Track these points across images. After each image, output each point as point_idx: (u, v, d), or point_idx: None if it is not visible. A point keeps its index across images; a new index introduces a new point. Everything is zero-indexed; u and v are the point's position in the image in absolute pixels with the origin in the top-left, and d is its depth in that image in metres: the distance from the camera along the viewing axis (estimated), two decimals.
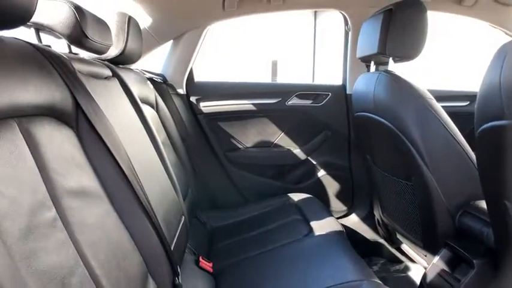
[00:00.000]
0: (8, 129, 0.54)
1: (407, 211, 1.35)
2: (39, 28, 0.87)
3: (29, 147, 0.58)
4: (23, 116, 0.58)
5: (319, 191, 1.92)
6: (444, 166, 1.16)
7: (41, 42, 0.89)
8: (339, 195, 1.95)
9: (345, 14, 1.74)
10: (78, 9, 0.87)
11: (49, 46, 0.85)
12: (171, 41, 1.77)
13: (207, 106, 1.85)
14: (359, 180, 1.91)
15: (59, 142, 0.66)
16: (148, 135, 1.13)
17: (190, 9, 1.61)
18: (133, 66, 1.67)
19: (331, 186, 1.94)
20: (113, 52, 1.22)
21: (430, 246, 1.27)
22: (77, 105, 0.73)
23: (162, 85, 1.64)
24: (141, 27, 1.58)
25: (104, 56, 1.22)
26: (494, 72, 0.74)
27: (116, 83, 1.08)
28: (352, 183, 1.93)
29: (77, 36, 0.88)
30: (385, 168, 1.42)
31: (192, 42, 1.75)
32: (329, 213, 1.52)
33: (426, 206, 1.20)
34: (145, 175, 0.94)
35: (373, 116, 1.31)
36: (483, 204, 1.08)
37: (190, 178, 1.59)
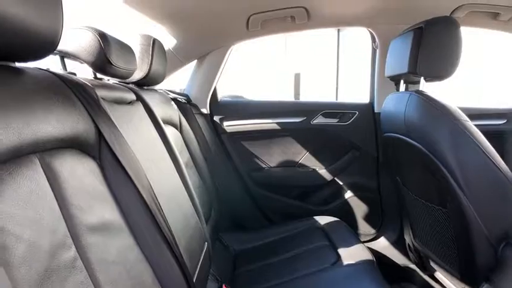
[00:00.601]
0: (29, 166, 0.53)
1: (442, 239, 1.26)
2: (64, 55, 0.87)
3: (50, 184, 0.56)
4: (44, 151, 0.57)
5: (346, 213, 1.85)
6: (483, 193, 1.08)
7: (65, 69, 0.90)
8: (367, 218, 1.87)
9: (372, 32, 1.69)
10: (102, 36, 0.87)
11: (74, 73, 0.85)
12: (195, 60, 1.77)
13: (230, 125, 1.83)
14: (388, 202, 1.82)
15: (81, 175, 0.64)
16: (172, 159, 1.12)
17: (215, 30, 1.61)
18: (157, 87, 1.69)
19: (359, 208, 1.87)
20: (137, 75, 1.22)
21: (468, 279, 1.18)
22: (99, 135, 0.71)
23: (185, 105, 1.64)
24: (166, 48, 1.59)
25: (128, 79, 1.22)
26: None
27: (139, 107, 1.08)
28: (381, 206, 1.85)
29: (101, 63, 0.88)
30: (417, 192, 1.34)
31: (216, 61, 1.75)
32: (358, 239, 1.45)
33: (464, 235, 1.12)
34: (168, 203, 0.92)
35: (404, 137, 1.25)
36: None
37: (213, 199, 1.57)
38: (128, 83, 1.23)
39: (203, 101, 1.80)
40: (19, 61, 0.60)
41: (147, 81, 1.29)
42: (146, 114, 1.10)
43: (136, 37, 1.24)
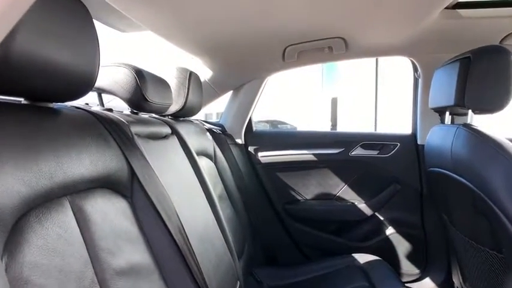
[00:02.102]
0: (59, 210, 0.52)
1: (497, 286, 1.13)
2: (101, 92, 0.89)
3: (79, 228, 0.55)
4: (75, 192, 0.56)
5: (387, 251, 1.73)
6: None
7: (103, 105, 0.91)
8: (411, 257, 1.74)
9: (414, 61, 1.62)
10: (138, 73, 0.88)
11: (110, 109, 0.86)
12: (231, 91, 1.78)
13: (265, 156, 1.80)
14: (434, 240, 1.69)
15: (112, 216, 0.63)
16: (205, 193, 1.10)
17: (251, 62, 1.62)
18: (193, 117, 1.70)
19: (402, 246, 1.74)
20: (173, 108, 1.23)
21: None
22: (132, 173, 0.70)
23: (220, 135, 1.63)
24: (202, 79, 1.61)
25: (165, 113, 1.24)
26: None
27: (174, 140, 1.07)
28: (426, 244, 1.72)
29: (137, 99, 0.89)
30: (466, 233, 1.22)
31: (252, 92, 1.75)
32: (400, 280, 1.34)
33: None
34: (200, 241, 0.89)
35: (451, 173, 1.16)
36: None
37: (247, 232, 1.52)
38: (164, 115, 1.25)
39: (238, 131, 1.79)
40: (57, 102, 0.60)
41: (183, 113, 1.30)
42: (181, 148, 1.09)
43: (172, 70, 1.26)
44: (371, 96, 9.29)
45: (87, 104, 0.97)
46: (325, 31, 1.37)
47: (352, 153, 1.76)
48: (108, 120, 0.71)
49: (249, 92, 1.75)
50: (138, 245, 0.67)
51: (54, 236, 0.49)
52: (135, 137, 0.79)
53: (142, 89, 0.87)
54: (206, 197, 1.10)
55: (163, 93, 0.99)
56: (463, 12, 1.28)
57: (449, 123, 1.29)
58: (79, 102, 0.95)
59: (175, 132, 1.12)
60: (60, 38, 0.51)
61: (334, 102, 10.46)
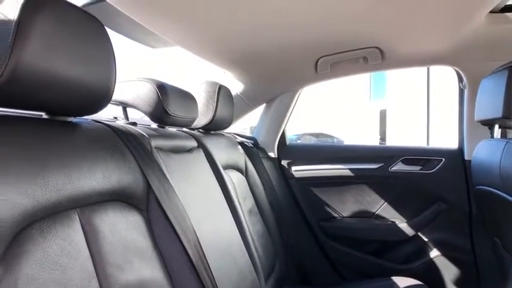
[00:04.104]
0: (65, 223, 0.52)
1: None
2: (126, 106, 0.91)
3: (87, 242, 0.54)
4: (85, 205, 0.56)
5: (431, 276, 1.59)
6: None
7: (127, 119, 0.93)
8: (459, 283, 1.59)
9: (458, 70, 1.51)
10: (160, 87, 0.89)
11: (134, 123, 0.88)
12: (264, 104, 1.76)
13: (299, 170, 1.75)
14: (485, 265, 1.53)
15: (123, 229, 0.62)
16: (230, 208, 1.07)
17: (283, 74, 1.59)
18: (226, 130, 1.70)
19: (448, 270, 1.60)
20: (202, 121, 1.23)
21: None
22: (148, 187, 0.70)
23: (253, 149, 1.61)
24: (234, 93, 1.61)
25: (193, 125, 1.24)
26: None
27: (199, 154, 1.07)
28: (477, 269, 1.56)
29: (159, 113, 0.89)
30: None
31: (285, 105, 1.72)
32: None
33: None
34: (220, 257, 0.87)
35: (500, 192, 1.04)
36: None
37: (278, 249, 1.48)
38: (193, 129, 1.25)
39: (271, 145, 1.76)
40: (75, 116, 0.62)
41: (213, 127, 1.29)
42: (206, 161, 1.09)
43: (202, 85, 1.27)
44: (423, 109, 8.86)
45: (115, 118, 1.00)
46: (359, 41, 1.32)
47: (393, 168, 1.66)
48: (127, 133, 0.71)
49: (281, 104, 1.72)
50: (149, 260, 0.66)
51: (57, 249, 0.49)
52: (155, 150, 0.79)
53: (163, 103, 0.88)
54: (232, 212, 1.08)
55: (188, 107, 0.99)
56: (511, 16, 1.18)
57: (499, 137, 1.18)
58: (108, 117, 0.98)
59: (201, 145, 1.11)
60: (75, 53, 0.52)
61: (383, 114, 10.10)
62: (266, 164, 1.67)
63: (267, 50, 1.33)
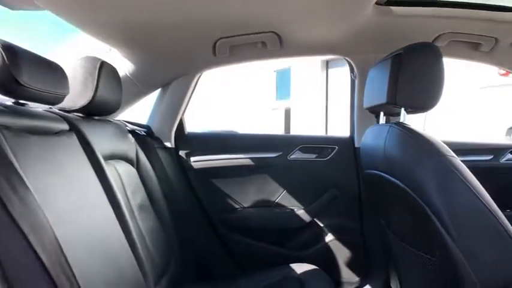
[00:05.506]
0: None
1: None
2: None
3: None
4: None
5: (326, 259, 1.65)
6: (476, 241, 0.92)
7: None
8: (350, 264, 1.67)
9: (350, 61, 1.58)
10: (8, 49, 0.71)
11: None
12: (159, 89, 1.63)
13: (198, 161, 1.66)
14: (373, 246, 1.64)
15: None
16: (111, 202, 0.93)
17: (179, 56, 1.48)
18: (118, 117, 1.53)
19: (341, 253, 1.67)
20: (79, 102, 1.06)
21: None
22: None
23: (146, 138, 1.47)
24: (122, 73, 1.45)
25: (68, 107, 1.06)
26: None
27: (71, 139, 0.90)
28: (365, 251, 1.66)
29: (6, 82, 0.71)
30: (402, 237, 1.17)
31: (182, 90, 1.60)
32: None
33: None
34: (90, 257, 0.73)
35: (385, 175, 1.10)
36: None
37: (174, 246, 1.37)
38: (68, 111, 1.07)
39: (167, 134, 1.63)
40: None
41: (95, 110, 1.13)
42: (81, 148, 0.93)
43: (80, 60, 1.09)
44: (323, 105, 9.50)
45: None
46: (258, 24, 1.28)
47: (291, 157, 1.67)
48: None
49: (178, 89, 1.59)
50: None
51: None
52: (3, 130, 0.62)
53: (11, 68, 0.70)
54: (113, 207, 0.94)
55: (52, 79, 0.82)
56: (395, 9, 1.25)
57: (384, 123, 1.25)
58: None
59: (75, 129, 0.95)
60: None
61: (287, 112, 10.64)
62: (162, 154, 1.54)
63: (161, 27, 1.21)
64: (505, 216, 0.91)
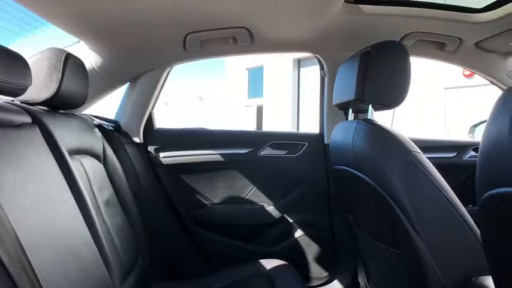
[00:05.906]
0: None
1: (396, 283, 1.12)
2: None
3: None
4: None
5: (296, 255, 1.67)
6: (438, 234, 0.96)
7: None
8: (319, 260, 1.70)
9: (320, 58, 1.60)
10: None
11: None
12: (128, 83, 1.58)
13: (167, 157, 1.63)
14: (342, 241, 1.68)
15: None
16: (75, 197, 0.90)
17: (149, 49, 1.44)
18: (85, 111, 1.48)
19: (310, 248, 1.70)
20: (43, 95, 1.01)
21: None
22: None
23: (113, 133, 1.43)
24: (89, 66, 1.40)
25: (32, 99, 1.02)
26: (502, 126, 0.56)
27: (34, 132, 0.87)
28: (334, 246, 1.70)
29: None
30: (369, 231, 1.21)
31: (151, 84, 1.56)
32: (305, 285, 1.28)
33: (418, 280, 0.98)
34: (52, 252, 0.71)
35: (353, 170, 1.12)
36: (488, 281, 0.86)
37: (142, 243, 1.34)
38: (32, 104, 1.03)
39: (135, 129, 1.59)
40: None
41: (60, 103, 1.08)
42: (44, 142, 0.89)
43: (45, 51, 1.05)
44: (294, 102, 9.63)
45: None
46: (228, 19, 1.27)
47: (261, 153, 1.68)
48: None
49: (147, 83, 1.56)
50: None
51: None
52: None
53: None
54: (77, 202, 0.91)
55: (11, 69, 0.78)
56: (364, 7, 1.28)
57: (353, 120, 1.27)
58: None
59: (38, 122, 0.91)
60: None
61: (259, 110, 10.70)
62: (130, 150, 1.50)
63: (129, 20, 1.17)
64: (467, 211, 0.95)
